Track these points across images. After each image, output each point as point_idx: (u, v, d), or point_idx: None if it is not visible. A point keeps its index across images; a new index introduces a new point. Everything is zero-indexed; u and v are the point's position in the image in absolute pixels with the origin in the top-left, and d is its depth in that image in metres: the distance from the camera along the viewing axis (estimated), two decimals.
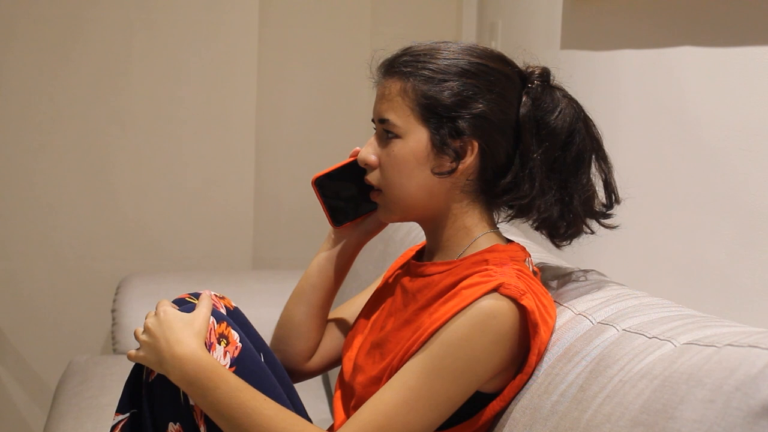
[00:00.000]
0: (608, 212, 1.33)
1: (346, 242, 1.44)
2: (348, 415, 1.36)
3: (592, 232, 1.34)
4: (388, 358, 1.27)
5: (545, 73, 1.32)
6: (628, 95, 1.83)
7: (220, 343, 1.28)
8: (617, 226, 1.34)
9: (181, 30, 2.81)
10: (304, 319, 1.46)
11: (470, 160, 1.27)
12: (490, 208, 1.33)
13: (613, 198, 1.33)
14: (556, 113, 1.29)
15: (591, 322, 1.24)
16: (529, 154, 1.27)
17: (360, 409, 1.22)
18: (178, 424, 1.29)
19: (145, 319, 1.32)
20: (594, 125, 1.33)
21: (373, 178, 1.32)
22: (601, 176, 1.32)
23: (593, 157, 1.31)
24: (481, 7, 2.76)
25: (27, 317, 2.83)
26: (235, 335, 1.31)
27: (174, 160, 2.86)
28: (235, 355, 1.29)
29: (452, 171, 1.27)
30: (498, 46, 2.52)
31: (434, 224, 1.33)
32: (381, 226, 1.44)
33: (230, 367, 1.27)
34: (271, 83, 2.90)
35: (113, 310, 2.56)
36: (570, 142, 1.29)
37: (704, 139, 1.55)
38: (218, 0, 2.83)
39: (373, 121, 1.33)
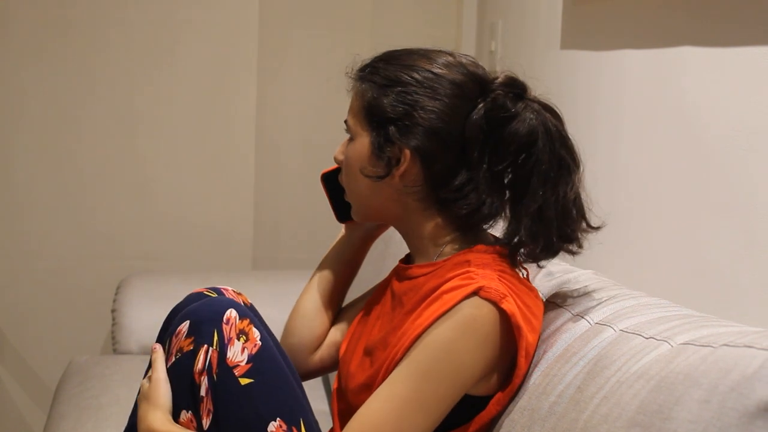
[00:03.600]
0: (575, 235, 1.26)
1: (353, 237, 1.49)
2: (341, 421, 1.36)
3: (553, 257, 1.28)
4: (376, 365, 1.28)
5: (510, 83, 1.27)
6: (628, 95, 1.83)
7: (239, 339, 1.29)
8: (578, 253, 1.28)
9: (181, 30, 2.81)
10: (311, 307, 1.49)
11: (404, 167, 1.27)
12: (454, 211, 1.29)
13: (583, 222, 1.27)
14: (512, 124, 1.24)
15: (589, 322, 1.24)
16: (474, 163, 1.25)
17: (350, 421, 1.22)
18: (189, 412, 1.30)
19: None
20: (564, 143, 1.26)
21: (340, 177, 1.38)
22: (560, 195, 1.24)
23: (560, 176, 1.24)
24: (481, 7, 2.75)
25: (27, 317, 2.83)
26: (256, 333, 1.31)
27: (174, 160, 2.86)
28: (254, 352, 1.29)
29: (381, 177, 1.28)
30: (498, 46, 2.52)
31: (402, 228, 1.36)
32: (385, 225, 1.45)
33: (247, 363, 1.28)
34: (271, 83, 2.90)
35: (113, 310, 2.56)
36: (526, 156, 1.24)
37: (704, 139, 1.55)
38: (218, 0, 2.82)
39: None
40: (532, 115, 1.25)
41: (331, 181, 1.44)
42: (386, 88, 1.28)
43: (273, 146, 2.94)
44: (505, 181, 1.27)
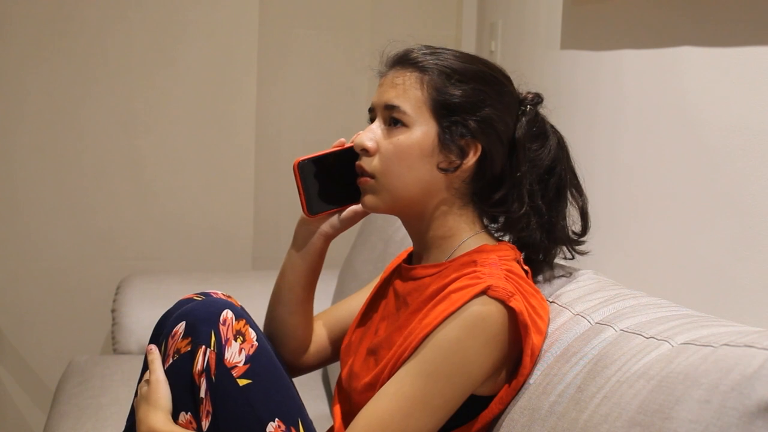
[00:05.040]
0: (581, 239, 1.38)
1: (312, 236, 1.41)
2: (345, 421, 1.36)
3: (573, 257, 1.39)
4: (381, 364, 1.28)
5: (538, 100, 1.36)
6: (628, 95, 1.83)
7: (236, 340, 1.29)
8: (589, 252, 1.39)
9: (181, 30, 2.81)
10: (287, 318, 1.45)
11: (472, 161, 1.29)
12: (481, 213, 1.35)
13: (587, 227, 1.38)
14: (543, 141, 1.34)
15: (589, 322, 1.24)
16: (520, 174, 1.31)
17: (355, 418, 1.22)
18: (189, 413, 1.30)
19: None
20: (571, 157, 1.38)
21: (367, 164, 1.31)
22: (578, 205, 1.37)
23: (570, 186, 1.36)
24: (481, 7, 2.75)
25: (27, 317, 2.83)
26: (252, 333, 1.31)
27: (174, 160, 2.87)
28: (251, 352, 1.30)
29: (455, 168, 1.28)
30: (498, 46, 2.52)
31: (420, 223, 1.33)
32: (352, 221, 1.40)
33: (245, 364, 1.29)
34: (271, 83, 2.90)
35: (113, 310, 2.56)
36: (553, 170, 1.34)
37: (704, 139, 1.55)
38: (218, 0, 2.83)
39: (371, 110, 1.33)
40: (553, 132, 1.36)
41: (306, 170, 1.38)
42: (459, 82, 1.28)
43: (273, 146, 2.94)
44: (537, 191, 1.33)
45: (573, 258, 1.38)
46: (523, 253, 1.35)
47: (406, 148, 1.28)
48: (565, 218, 1.36)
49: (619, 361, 1.12)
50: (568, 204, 1.36)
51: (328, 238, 1.42)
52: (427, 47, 1.33)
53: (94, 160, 2.81)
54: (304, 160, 1.38)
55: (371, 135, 1.31)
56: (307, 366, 1.50)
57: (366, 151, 1.31)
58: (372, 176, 1.31)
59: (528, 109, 1.33)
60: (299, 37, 2.91)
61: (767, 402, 0.92)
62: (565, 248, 1.38)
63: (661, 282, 1.66)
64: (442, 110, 1.28)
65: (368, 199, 1.33)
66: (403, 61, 1.31)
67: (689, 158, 1.60)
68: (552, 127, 1.37)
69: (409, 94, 1.29)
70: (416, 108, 1.28)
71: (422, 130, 1.28)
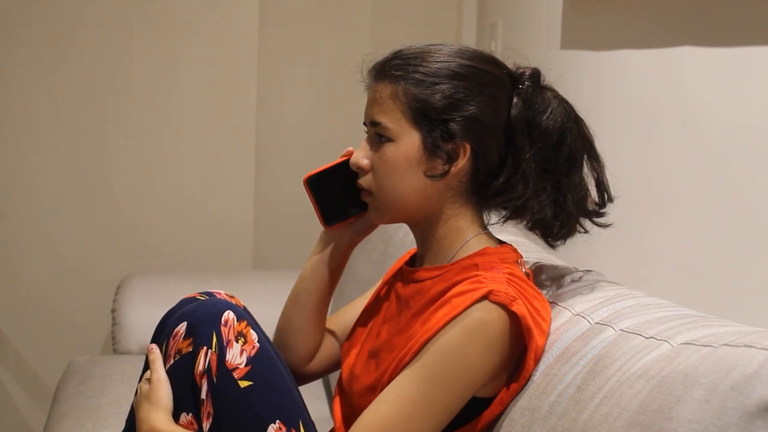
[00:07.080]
0: (601, 211, 1.33)
1: (337, 243, 1.43)
2: (345, 423, 1.36)
3: (586, 231, 1.34)
4: (382, 367, 1.27)
5: (536, 74, 1.31)
6: (629, 95, 1.83)
7: (237, 341, 1.29)
8: (610, 225, 1.34)
9: (181, 30, 2.81)
10: (303, 323, 1.46)
11: (462, 162, 1.27)
12: (481, 209, 1.33)
13: (606, 197, 1.33)
14: (547, 114, 1.29)
15: (589, 322, 1.24)
16: (522, 155, 1.27)
17: (356, 422, 1.22)
18: (190, 414, 1.30)
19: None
20: (585, 125, 1.33)
21: (365, 181, 1.32)
22: (594, 175, 1.32)
23: (585, 156, 1.31)
24: (481, 7, 2.76)
25: (27, 317, 2.83)
26: (253, 335, 1.31)
27: (174, 160, 2.87)
28: (252, 354, 1.29)
29: (444, 174, 1.27)
30: (498, 46, 2.52)
31: (425, 226, 1.33)
32: (372, 226, 1.43)
33: (246, 365, 1.28)
34: (271, 83, 2.90)
35: (113, 310, 2.56)
36: (562, 143, 1.29)
37: (705, 138, 1.55)
38: (218, 0, 2.83)
39: (364, 124, 1.33)
40: (559, 103, 1.30)
41: (316, 184, 1.39)
42: (433, 86, 1.26)
43: (273, 146, 2.94)
44: (545, 168, 1.29)
45: (587, 232, 1.33)
46: (522, 258, 1.34)
47: (394, 162, 1.27)
48: (578, 190, 1.30)
49: (618, 361, 1.12)
50: (583, 174, 1.31)
51: (352, 243, 1.44)
52: (408, 49, 1.30)
53: (94, 160, 2.81)
54: (313, 175, 1.40)
55: (364, 153, 1.31)
56: (313, 373, 1.50)
57: (362, 170, 1.32)
58: (370, 192, 1.32)
59: (525, 87, 1.29)
60: (299, 37, 2.91)
61: (767, 402, 0.92)
62: (579, 224, 1.32)
63: (661, 282, 1.66)
64: (421, 118, 1.26)
65: (372, 213, 1.35)
66: (379, 73, 1.30)
67: (689, 158, 1.60)
68: (557, 97, 1.31)
69: (387, 107, 1.28)
70: (396, 121, 1.27)
71: (407, 142, 1.27)
